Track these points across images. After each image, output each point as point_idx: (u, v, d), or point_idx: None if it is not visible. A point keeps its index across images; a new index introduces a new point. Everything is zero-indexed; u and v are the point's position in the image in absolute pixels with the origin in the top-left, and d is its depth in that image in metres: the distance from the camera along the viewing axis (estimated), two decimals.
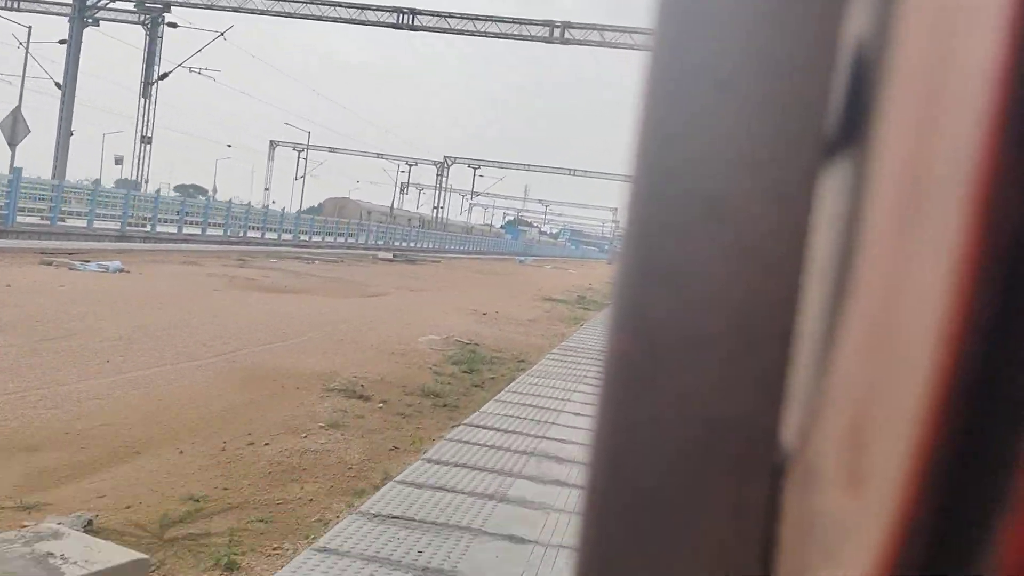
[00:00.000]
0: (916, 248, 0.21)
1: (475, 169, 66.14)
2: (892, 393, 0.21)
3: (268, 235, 33.39)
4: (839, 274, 0.25)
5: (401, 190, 68.98)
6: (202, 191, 56.32)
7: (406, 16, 30.66)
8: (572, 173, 64.04)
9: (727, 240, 0.31)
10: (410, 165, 68.37)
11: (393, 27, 30.50)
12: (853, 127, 0.26)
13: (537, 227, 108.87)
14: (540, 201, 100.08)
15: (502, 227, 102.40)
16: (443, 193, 66.34)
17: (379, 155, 67.82)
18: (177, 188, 55.88)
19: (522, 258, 49.19)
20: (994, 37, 0.19)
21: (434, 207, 66.86)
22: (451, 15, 30.80)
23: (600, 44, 29.68)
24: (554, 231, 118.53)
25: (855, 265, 0.24)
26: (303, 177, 67.71)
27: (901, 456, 0.20)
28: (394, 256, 31.45)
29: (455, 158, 65.55)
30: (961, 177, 0.19)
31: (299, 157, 66.95)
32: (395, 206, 66.22)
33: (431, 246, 51.80)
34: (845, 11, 0.28)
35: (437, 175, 65.75)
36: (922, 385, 0.20)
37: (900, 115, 0.23)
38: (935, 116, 0.21)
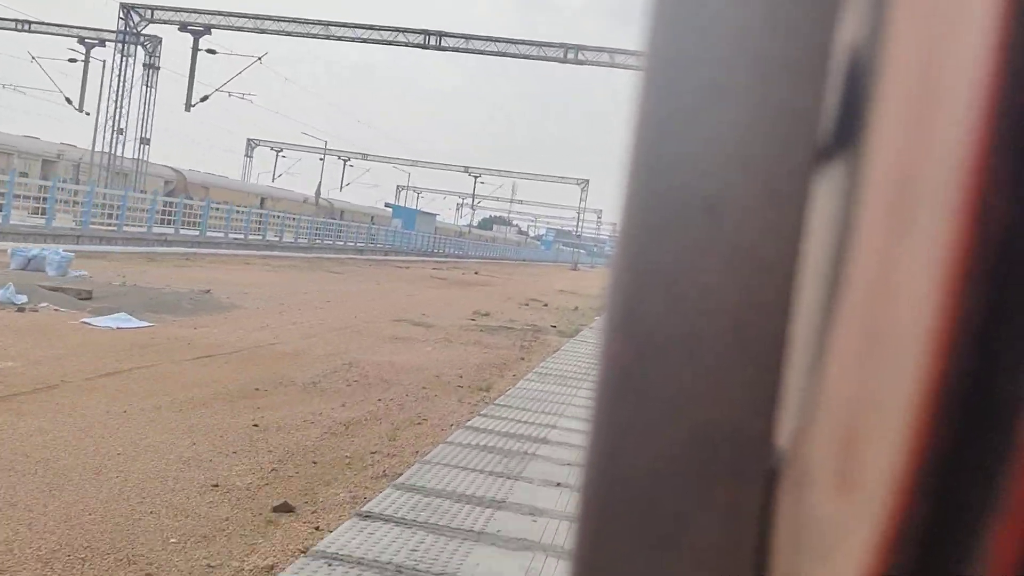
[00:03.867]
0: (908, 251, 0.21)
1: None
2: (884, 397, 0.21)
3: None
4: (832, 277, 0.25)
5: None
6: None
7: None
8: None
9: (721, 242, 0.30)
10: None
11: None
12: (846, 130, 0.26)
13: (518, 226, 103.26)
14: (469, 171, 74.82)
15: (387, 206, 67.78)
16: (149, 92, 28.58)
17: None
18: None
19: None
20: (984, 43, 0.19)
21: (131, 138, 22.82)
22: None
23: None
24: (538, 232, 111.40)
25: (848, 268, 0.24)
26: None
27: (893, 460, 0.20)
28: None
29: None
30: (952, 181, 0.19)
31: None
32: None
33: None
34: (839, 16, 0.28)
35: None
36: (914, 389, 0.19)
37: (892, 119, 0.23)
38: (927, 120, 0.21)
